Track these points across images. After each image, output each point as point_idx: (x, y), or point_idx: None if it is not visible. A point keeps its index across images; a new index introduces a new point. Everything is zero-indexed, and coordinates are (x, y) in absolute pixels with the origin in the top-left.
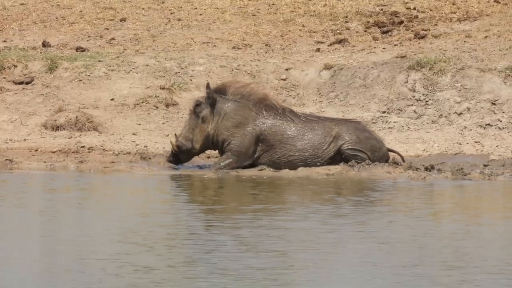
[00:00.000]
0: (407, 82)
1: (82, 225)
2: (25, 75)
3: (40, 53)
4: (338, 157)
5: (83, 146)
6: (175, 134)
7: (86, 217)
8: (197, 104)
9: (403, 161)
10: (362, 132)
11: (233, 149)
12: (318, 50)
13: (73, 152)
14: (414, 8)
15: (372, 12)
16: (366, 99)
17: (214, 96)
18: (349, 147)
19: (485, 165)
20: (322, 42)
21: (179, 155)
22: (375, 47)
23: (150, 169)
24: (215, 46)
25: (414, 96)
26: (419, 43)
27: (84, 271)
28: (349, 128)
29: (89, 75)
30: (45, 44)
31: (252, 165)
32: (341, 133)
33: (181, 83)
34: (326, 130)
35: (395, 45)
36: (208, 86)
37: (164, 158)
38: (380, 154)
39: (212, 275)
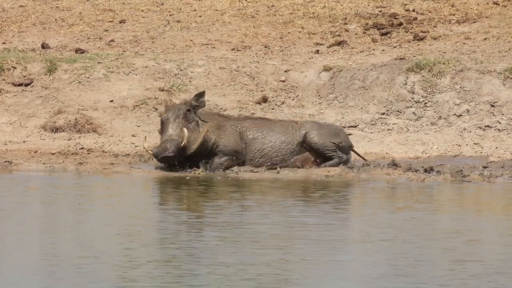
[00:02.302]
0: (406, 84)
1: (73, 226)
2: (24, 76)
3: (40, 55)
4: (304, 150)
5: (82, 148)
6: (170, 135)
7: (79, 219)
8: (189, 110)
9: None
10: (322, 125)
11: (223, 150)
12: (317, 52)
13: (73, 153)
14: (413, 10)
15: (371, 14)
16: (365, 100)
17: (200, 105)
18: (315, 140)
19: (484, 167)
20: (321, 44)
21: (179, 152)
22: (374, 49)
23: (149, 170)
24: (214, 47)
25: (413, 98)
26: (418, 45)
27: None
28: (312, 125)
29: (88, 77)
30: (44, 46)
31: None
32: (304, 124)
33: (180, 85)
34: (287, 127)
35: (394, 47)
36: (202, 94)
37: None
38: (344, 144)
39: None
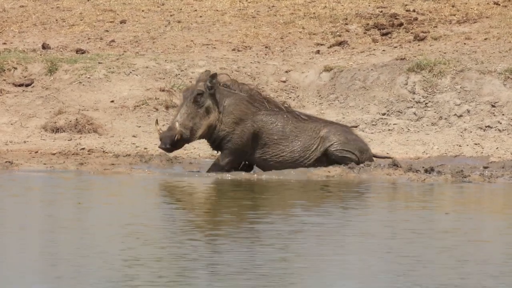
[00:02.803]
0: (406, 84)
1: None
2: (25, 77)
3: (40, 55)
4: (324, 159)
5: (83, 148)
6: (177, 122)
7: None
8: (199, 94)
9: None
10: (349, 134)
11: (232, 147)
12: (318, 52)
13: (73, 154)
14: (414, 10)
15: (371, 14)
16: (366, 101)
17: (216, 87)
18: (338, 148)
19: (485, 167)
20: (322, 44)
21: (177, 143)
22: (374, 49)
23: (149, 171)
24: (215, 48)
25: (414, 98)
26: (418, 45)
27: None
28: (337, 130)
29: (89, 77)
30: (45, 46)
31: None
32: (329, 135)
33: (181, 85)
34: (315, 131)
35: (395, 47)
36: (214, 76)
37: (163, 159)
38: (367, 156)
39: None
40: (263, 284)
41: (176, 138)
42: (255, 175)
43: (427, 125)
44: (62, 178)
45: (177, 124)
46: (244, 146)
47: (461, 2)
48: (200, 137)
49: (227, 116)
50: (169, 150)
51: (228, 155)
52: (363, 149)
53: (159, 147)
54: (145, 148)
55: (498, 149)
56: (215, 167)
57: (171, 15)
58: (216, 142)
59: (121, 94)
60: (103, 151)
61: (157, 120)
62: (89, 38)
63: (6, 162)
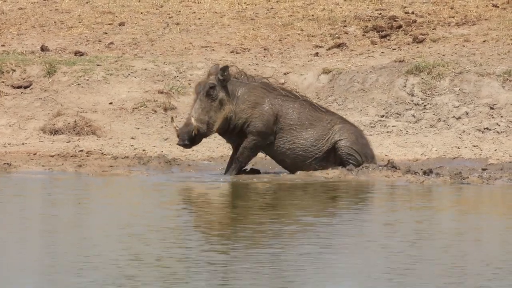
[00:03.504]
0: (405, 86)
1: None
2: (23, 79)
3: (39, 57)
4: (333, 153)
5: (81, 150)
6: (192, 117)
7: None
8: (211, 87)
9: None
10: (361, 138)
11: (254, 130)
12: (316, 54)
13: (72, 156)
14: (413, 13)
15: (370, 16)
16: (364, 103)
17: (228, 79)
18: (347, 144)
19: (483, 169)
20: (320, 46)
21: (195, 138)
22: (373, 52)
23: (148, 173)
24: (213, 50)
25: (412, 100)
26: (417, 47)
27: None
28: (350, 128)
29: (87, 79)
30: (43, 48)
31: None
32: (342, 130)
33: (180, 87)
34: (330, 123)
35: (394, 49)
36: (226, 68)
37: (161, 161)
38: (371, 163)
39: None
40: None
41: (193, 133)
42: (255, 179)
43: (425, 127)
44: (63, 180)
45: (193, 119)
46: (266, 128)
47: (459, 4)
48: (217, 130)
49: (243, 104)
50: (188, 146)
51: (252, 139)
52: (368, 155)
53: (177, 144)
54: (143, 150)
55: (497, 151)
56: (245, 149)
57: (169, 17)
58: (235, 131)
59: (120, 96)
60: (102, 153)
61: (172, 117)
62: (87, 40)
63: (5, 164)
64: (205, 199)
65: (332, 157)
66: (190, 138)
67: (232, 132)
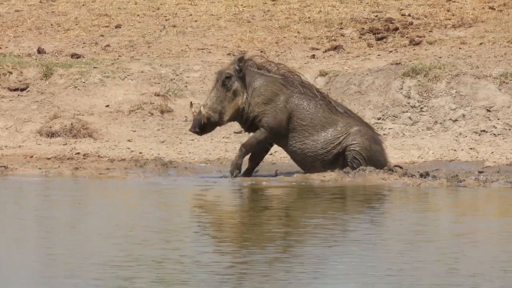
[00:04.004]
0: (402, 88)
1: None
2: (20, 81)
3: (35, 59)
4: (342, 156)
5: (78, 153)
6: (203, 105)
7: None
8: (227, 77)
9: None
10: (375, 144)
11: (265, 125)
12: (313, 56)
13: (68, 158)
14: (409, 15)
15: (367, 18)
16: (361, 105)
17: (245, 70)
18: (357, 149)
19: (480, 172)
20: (317, 49)
21: (206, 126)
22: (370, 54)
23: (144, 175)
24: (210, 52)
25: (409, 103)
26: (414, 49)
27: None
28: (366, 133)
29: (84, 82)
30: (40, 51)
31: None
32: (357, 134)
33: (176, 90)
34: (345, 126)
35: (390, 51)
36: (242, 59)
37: (158, 163)
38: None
39: None
40: None
41: (202, 121)
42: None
43: (422, 129)
44: (57, 182)
45: (202, 108)
46: (278, 125)
47: (456, 6)
48: (230, 120)
49: (257, 97)
50: (199, 133)
51: (263, 132)
52: (379, 162)
53: (189, 130)
54: (140, 153)
55: (493, 154)
56: (252, 139)
57: (166, 20)
58: (247, 123)
59: (116, 99)
60: (98, 156)
61: (191, 102)
62: (84, 43)
63: (1, 166)
64: (207, 202)
65: (341, 159)
66: (200, 126)
67: (246, 123)
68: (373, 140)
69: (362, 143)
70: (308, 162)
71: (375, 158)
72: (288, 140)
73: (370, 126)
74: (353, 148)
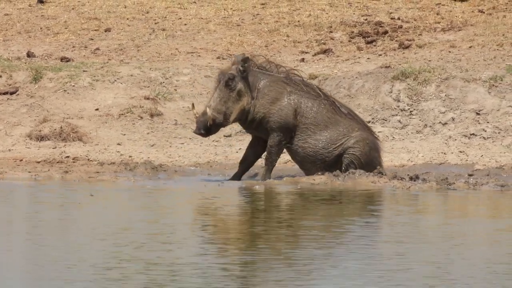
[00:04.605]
0: (391, 92)
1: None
2: (9, 85)
3: (25, 63)
4: (340, 159)
5: (67, 156)
6: (207, 106)
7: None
8: (231, 78)
9: None
10: (374, 150)
11: (274, 126)
12: (302, 60)
13: (58, 162)
14: (399, 18)
15: (356, 22)
16: None
17: (249, 70)
18: (356, 154)
19: (469, 175)
20: (306, 52)
21: (211, 128)
22: (359, 57)
23: (134, 179)
24: (199, 56)
25: (398, 106)
26: (403, 53)
27: None
28: (367, 138)
29: (73, 85)
30: (29, 55)
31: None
32: (358, 140)
33: (166, 93)
34: (348, 129)
35: (380, 55)
36: (247, 60)
37: (148, 167)
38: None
39: None
40: None
41: (208, 123)
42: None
43: (412, 133)
44: (47, 186)
45: (208, 110)
46: (286, 122)
47: (445, 10)
48: (234, 121)
49: (262, 98)
50: (204, 135)
51: (276, 135)
52: (374, 169)
53: (193, 132)
54: (130, 156)
55: (483, 157)
56: (271, 148)
57: (155, 23)
58: (253, 125)
59: (106, 102)
60: (88, 159)
61: (193, 104)
62: (73, 46)
63: None
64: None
65: (340, 162)
66: (206, 128)
67: (251, 124)
68: (373, 146)
69: (362, 148)
70: (309, 162)
71: (372, 165)
72: (291, 139)
73: (372, 130)
74: (353, 152)
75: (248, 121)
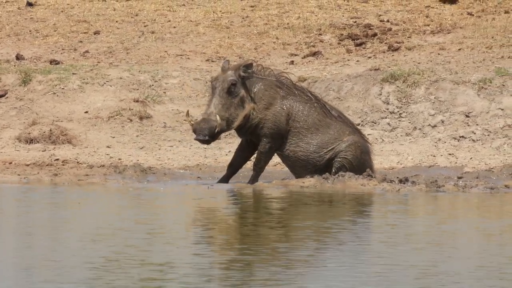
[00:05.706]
0: (381, 94)
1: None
2: None
3: (14, 66)
4: (331, 163)
5: (57, 159)
6: (210, 112)
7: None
8: (233, 84)
9: None
10: (365, 154)
11: (267, 133)
12: (292, 62)
13: (47, 165)
14: (388, 21)
15: (345, 24)
16: None
17: (251, 77)
18: (348, 158)
19: (459, 177)
20: (296, 55)
21: (216, 134)
22: (349, 60)
23: (124, 181)
24: (188, 58)
25: (388, 109)
26: (392, 55)
27: None
28: (359, 142)
29: (63, 88)
30: (18, 57)
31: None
32: (349, 144)
33: (155, 96)
34: (339, 132)
35: (369, 57)
36: (250, 65)
37: (137, 169)
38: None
39: None
40: None
41: (216, 130)
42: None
43: (401, 135)
44: (36, 189)
45: (218, 117)
46: (279, 129)
47: (435, 12)
48: (235, 128)
49: (258, 103)
50: (208, 141)
51: (267, 142)
52: (364, 171)
53: (195, 139)
54: (119, 159)
55: (472, 159)
56: (261, 155)
57: (145, 26)
58: (249, 130)
59: (95, 105)
60: (77, 162)
61: (188, 111)
62: (63, 49)
63: None
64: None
65: (331, 166)
66: (212, 134)
67: (247, 129)
68: (364, 149)
69: (354, 152)
70: (300, 166)
71: (363, 169)
72: (283, 144)
73: (362, 133)
74: (344, 156)
75: (246, 126)
